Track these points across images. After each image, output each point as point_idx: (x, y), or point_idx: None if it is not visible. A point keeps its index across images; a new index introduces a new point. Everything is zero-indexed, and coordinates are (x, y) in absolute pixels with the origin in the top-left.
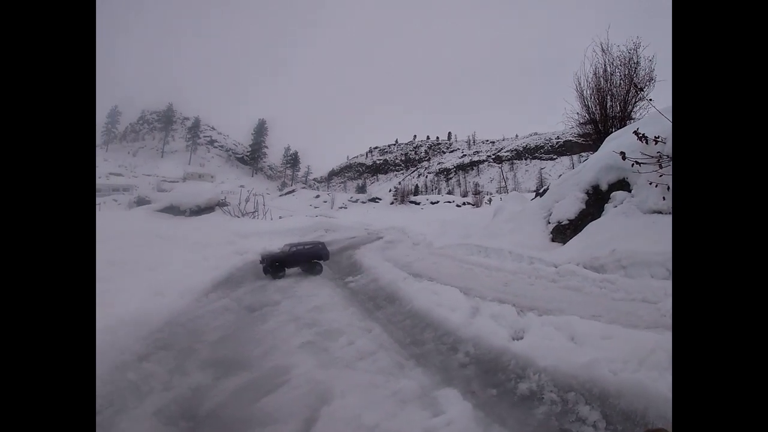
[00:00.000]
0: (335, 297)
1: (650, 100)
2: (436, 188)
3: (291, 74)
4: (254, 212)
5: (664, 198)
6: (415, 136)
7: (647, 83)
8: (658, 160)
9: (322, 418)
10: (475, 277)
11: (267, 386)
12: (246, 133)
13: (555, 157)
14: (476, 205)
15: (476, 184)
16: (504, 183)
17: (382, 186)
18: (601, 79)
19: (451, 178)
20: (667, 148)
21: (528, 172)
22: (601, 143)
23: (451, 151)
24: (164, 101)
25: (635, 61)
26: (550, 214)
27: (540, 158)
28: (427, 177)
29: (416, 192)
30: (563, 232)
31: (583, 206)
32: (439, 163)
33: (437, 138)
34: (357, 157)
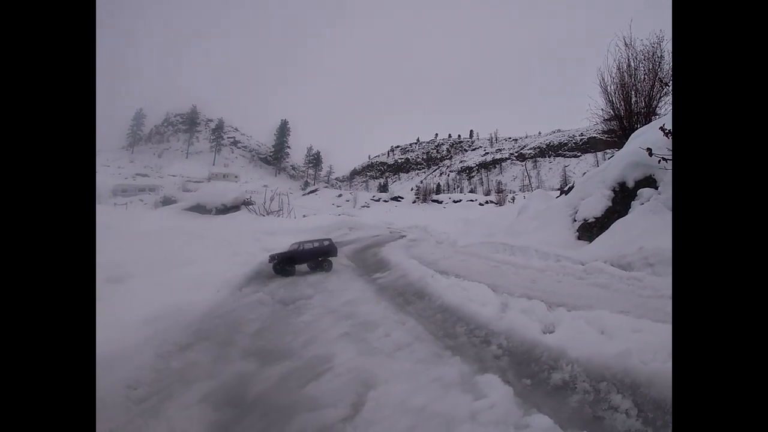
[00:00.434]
0: (366, 292)
1: None
2: (458, 187)
3: (313, 75)
4: (279, 211)
5: None
6: (436, 134)
7: (672, 78)
8: None
9: (370, 402)
10: (502, 275)
11: (311, 374)
12: (269, 134)
13: (579, 154)
14: (499, 203)
15: (499, 183)
16: (528, 181)
17: (404, 185)
18: (625, 74)
19: (473, 177)
20: None
21: (552, 169)
22: (627, 140)
23: (473, 149)
24: (188, 104)
25: (659, 56)
26: (576, 212)
27: (564, 155)
28: (449, 175)
29: (438, 191)
30: (589, 230)
31: (610, 204)
32: (461, 162)
33: (459, 136)
34: (379, 156)
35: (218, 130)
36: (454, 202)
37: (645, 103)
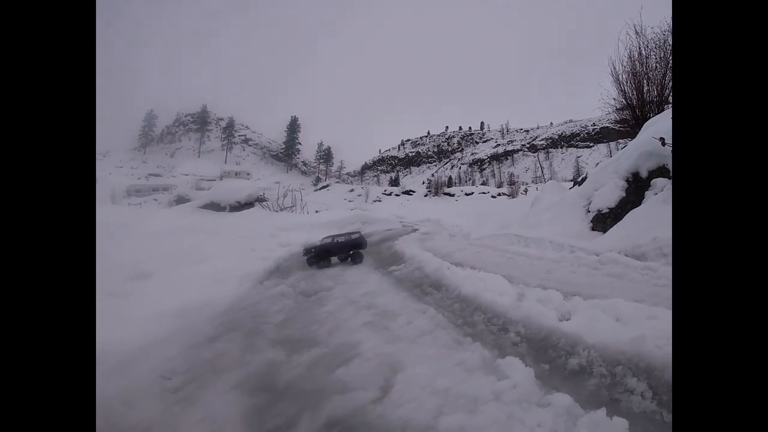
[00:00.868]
0: (383, 284)
1: None
2: (469, 179)
3: (323, 71)
4: (292, 207)
5: None
6: (447, 127)
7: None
8: None
9: (398, 384)
10: (517, 266)
11: (339, 359)
12: (279, 131)
13: (591, 144)
14: (512, 195)
15: (511, 174)
16: (540, 172)
17: (415, 178)
18: (637, 62)
19: (485, 169)
20: None
21: (564, 160)
22: (639, 129)
23: (485, 141)
24: (198, 103)
25: (671, 43)
26: (590, 203)
27: (576, 146)
28: (460, 168)
29: (450, 183)
30: (603, 221)
31: (623, 194)
32: (472, 154)
33: (470, 128)
34: (389, 150)
35: (229, 128)
36: (466, 194)
37: (657, 91)
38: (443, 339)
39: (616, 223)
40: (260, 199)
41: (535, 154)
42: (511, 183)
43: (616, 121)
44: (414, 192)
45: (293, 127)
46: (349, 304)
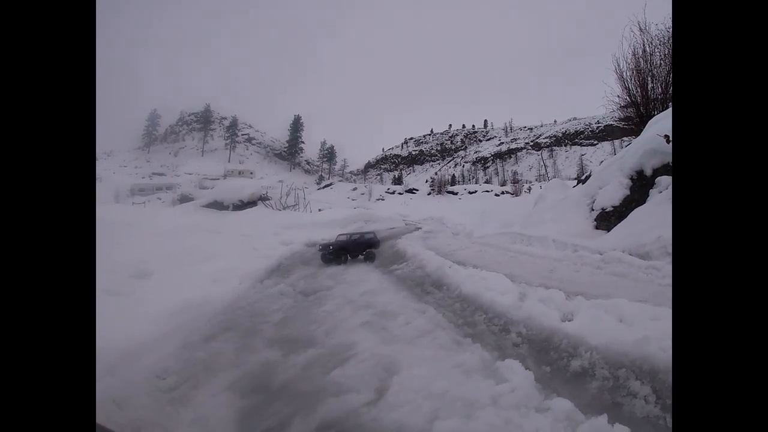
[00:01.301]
0: (384, 283)
1: None
2: (473, 178)
3: (325, 69)
4: (295, 205)
5: None
6: (450, 125)
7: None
8: None
9: (393, 387)
10: (520, 265)
11: (335, 360)
12: (282, 130)
13: (596, 142)
14: (515, 194)
15: (515, 173)
16: (544, 170)
17: (419, 177)
18: (641, 59)
19: (488, 167)
20: None
21: (568, 158)
22: (644, 127)
23: (488, 139)
24: (202, 102)
25: None
26: (594, 201)
27: (580, 144)
28: (463, 166)
29: (453, 182)
30: (607, 219)
31: (628, 192)
32: (475, 152)
33: (473, 126)
34: (392, 148)
35: (232, 127)
36: (470, 193)
37: (662, 89)
38: (442, 340)
39: (620, 222)
40: (263, 198)
41: (539, 152)
42: (515, 181)
43: (621, 119)
44: (417, 190)
45: (296, 125)
46: (348, 303)
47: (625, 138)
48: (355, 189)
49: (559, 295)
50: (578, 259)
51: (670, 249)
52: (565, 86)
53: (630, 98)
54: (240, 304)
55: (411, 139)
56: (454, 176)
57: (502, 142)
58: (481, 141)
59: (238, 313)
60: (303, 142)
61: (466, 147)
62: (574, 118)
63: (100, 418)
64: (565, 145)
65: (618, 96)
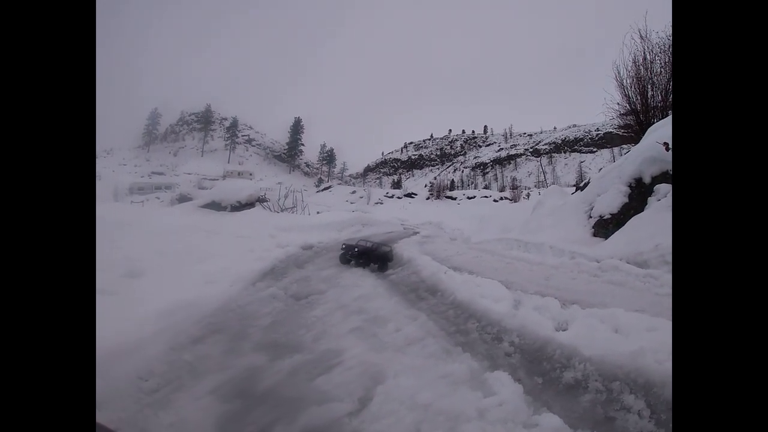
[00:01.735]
0: (378, 288)
1: None
2: (472, 183)
3: (327, 72)
4: (293, 208)
5: None
6: (450, 130)
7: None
8: None
9: (378, 397)
10: (516, 271)
11: (321, 367)
12: (283, 132)
13: (595, 149)
14: (514, 200)
15: (514, 179)
16: (543, 177)
17: (418, 181)
18: (641, 67)
19: (487, 173)
20: None
21: (567, 165)
22: (643, 134)
23: (488, 145)
24: (203, 102)
25: None
26: (592, 208)
27: (579, 151)
28: (463, 172)
29: (452, 187)
30: (605, 227)
31: (626, 200)
32: (475, 158)
33: (473, 132)
34: (392, 152)
35: (232, 128)
36: (468, 198)
37: (662, 96)
38: (432, 348)
39: (618, 229)
40: (261, 200)
41: (538, 159)
42: (514, 187)
43: (620, 127)
44: (416, 195)
45: (296, 128)
46: (339, 308)
47: (624, 145)
48: (354, 192)
49: (555, 304)
50: (575, 266)
51: (667, 257)
52: (566, 93)
53: (630, 106)
54: (230, 306)
55: (411, 143)
56: (453, 181)
57: (502, 148)
58: (480, 146)
59: (228, 315)
60: (303, 145)
61: (465, 152)
62: (574, 125)
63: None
64: (565, 152)
65: (618, 103)
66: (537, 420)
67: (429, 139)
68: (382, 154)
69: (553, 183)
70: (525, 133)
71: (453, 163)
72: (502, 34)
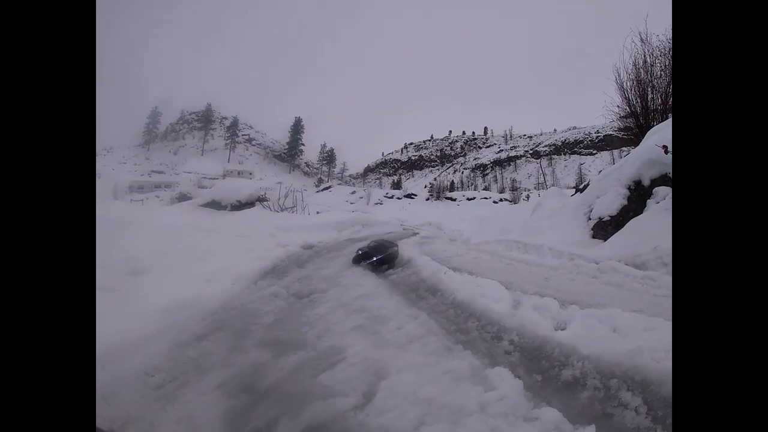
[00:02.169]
0: (378, 287)
1: None
2: (472, 184)
3: (327, 72)
4: (293, 207)
5: None
6: (450, 131)
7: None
8: None
9: (381, 392)
10: (515, 272)
11: (324, 364)
12: (283, 131)
13: (595, 152)
14: (513, 201)
15: (513, 180)
16: (543, 179)
17: (418, 182)
18: (641, 70)
19: (487, 174)
20: None
21: (567, 167)
22: (643, 137)
23: (488, 147)
24: (203, 101)
25: None
26: (591, 210)
27: (579, 153)
28: (462, 173)
29: (452, 188)
30: (604, 229)
31: (625, 202)
32: (475, 159)
33: (473, 133)
34: (392, 153)
35: (233, 127)
36: (468, 199)
37: (661, 99)
38: (433, 346)
39: (617, 231)
40: (261, 199)
41: (538, 161)
42: (514, 189)
43: (620, 129)
44: (416, 195)
45: (297, 127)
46: (341, 307)
47: (624, 148)
48: (353, 192)
49: (554, 304)
50: (574, 267)
51: (666, 259)
52: (566, 95)
53: (630, 108)
54: (233, 304)
55: (411, 144)
56: (453, 182)
57: (502, 150)
58: (480, 148)
59: (231, 313)
60: (303, 144)
61: (465, 153)
62: (574, 128)
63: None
64: (564, 154)
65: (618, 106)
66: (537, 414)
67: (429, 140)
68: (382, 154)
69: (553, 185)
70: (525, 135)
71: (453, 164)
72: (502, 35)
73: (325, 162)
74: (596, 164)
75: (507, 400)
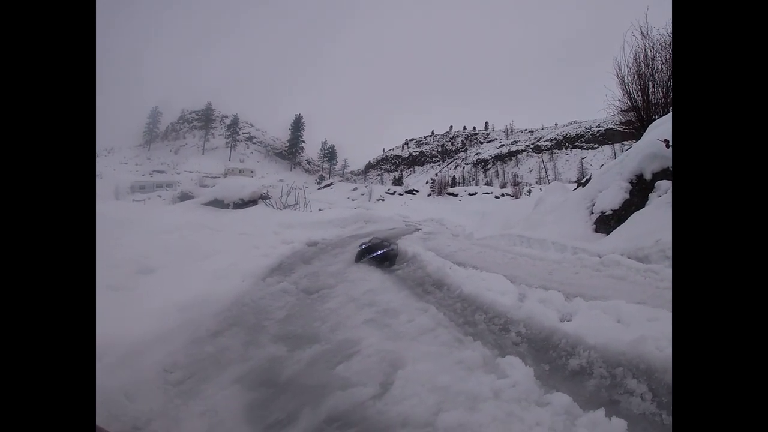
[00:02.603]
0: (386, 282)
1: None
2: (473, 179)
3: (327, 69)
4: (295, 204)
5: None
6: (451, 126)
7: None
8: None
9: (398, 381)
10: (519, 266)
11: (340, 356)
12: (284, 129)
13: (596, 146)
14: (515, 196)
15: (515, 175)
16: (544, 173)
17: (419, 178)
18: (642, 64)
19: (488, 169)
20: None
21: (568, 161)
22: (644, 131)
23: (489, 142)
24: (203, 100)
25: None
26: (593, 204)
27: (581, 147)
28: (464, 168)
29: (453, 183)
30: (607, 223)
31: (627, 196)
32: (476, 154)
33: (474, 128)
34: (393, 149)
35: (233, 126)
36: (470, 194)
37: (663, 93)
38: (444, 337)
39: (619, 225)
40: (264, 197)
41: (540, 155)
42: (515, 184)
43: (621, 123)
44: (417, 191)
45: (297, 125)
46: (351, 301)
47: (625, 142)
48: (355, 189)
49: (558, 296)
50: (577, 261)
51: (668, 252)
52: (567, 90)
53: (631, 102)
54: (244, 300)
55: (412, 140)
56: (454, 178)
57: (503, 145)
58: (481, 143)
59: (243, 309)
60: (304, 142)
61: (466, 149)
62: (575, 122)
63: (112, 411)
64: (566, 148)
65: (619, 100)
66: (549, 399)
67: (430, 136)
68: (384, 150)
69: (555, 179)
70: (526, 130)
71: (454, 159)
72: (503, 30)
73: (326, 159)
74: (598, 158)
75: (519, 387)
